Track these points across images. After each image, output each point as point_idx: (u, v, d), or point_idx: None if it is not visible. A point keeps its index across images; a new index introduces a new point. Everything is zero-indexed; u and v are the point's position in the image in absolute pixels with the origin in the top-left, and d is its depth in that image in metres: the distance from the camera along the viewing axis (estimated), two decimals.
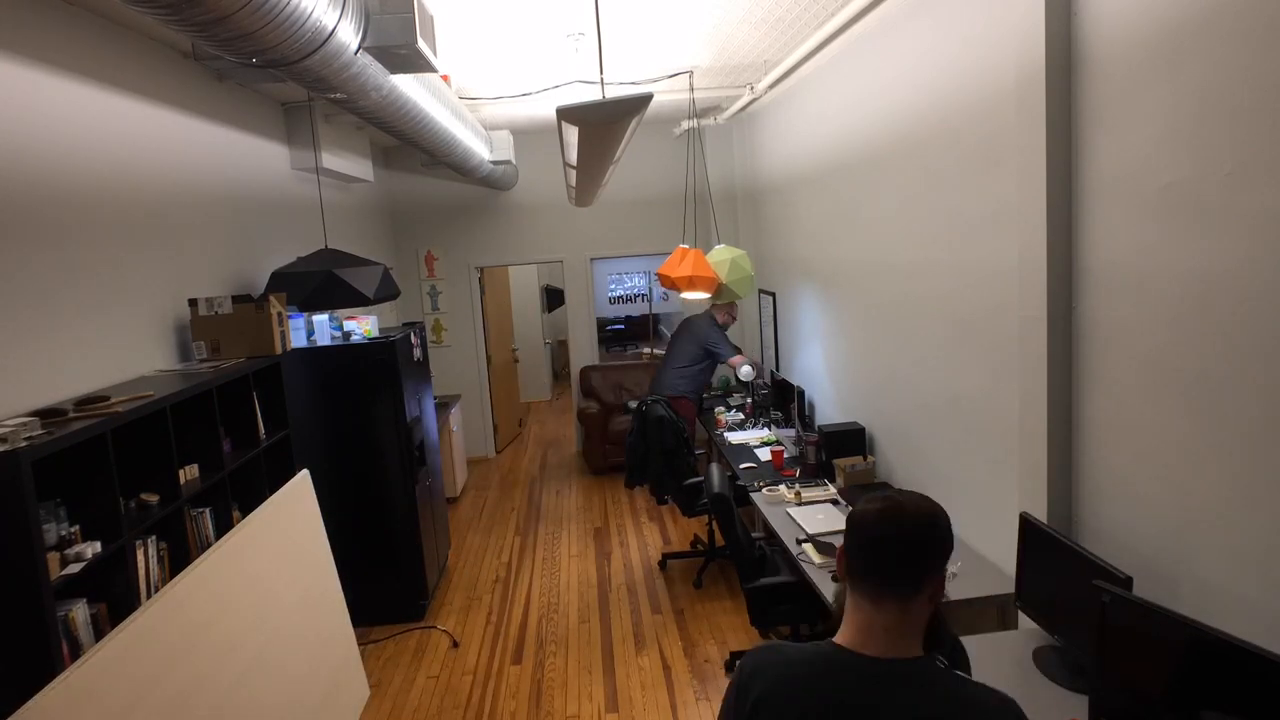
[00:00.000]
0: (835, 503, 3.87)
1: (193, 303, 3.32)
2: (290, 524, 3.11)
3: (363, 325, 4.43)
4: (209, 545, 2.83)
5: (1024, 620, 2.69)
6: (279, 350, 3.38)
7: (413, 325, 4.90)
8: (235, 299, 3.32)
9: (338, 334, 4.39)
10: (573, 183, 4.65)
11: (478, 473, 7.44)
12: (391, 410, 4.28)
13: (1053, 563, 2.36)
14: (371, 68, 2.79)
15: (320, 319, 4.31)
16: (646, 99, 2.45)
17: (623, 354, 9.56)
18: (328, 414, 4.24)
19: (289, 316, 4.25)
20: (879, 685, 1.15)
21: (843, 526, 3.50)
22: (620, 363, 7.92)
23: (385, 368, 4.24)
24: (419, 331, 4.95)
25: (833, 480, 4.16)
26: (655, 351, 8.39)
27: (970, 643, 2.50)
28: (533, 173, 7.26)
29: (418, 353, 4.85)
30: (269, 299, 3.33)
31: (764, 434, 5.33)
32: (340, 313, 4.70)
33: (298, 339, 4.28)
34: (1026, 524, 2.51)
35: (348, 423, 4.25)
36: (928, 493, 4.13)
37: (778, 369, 6.29)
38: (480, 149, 5.19)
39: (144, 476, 2.64)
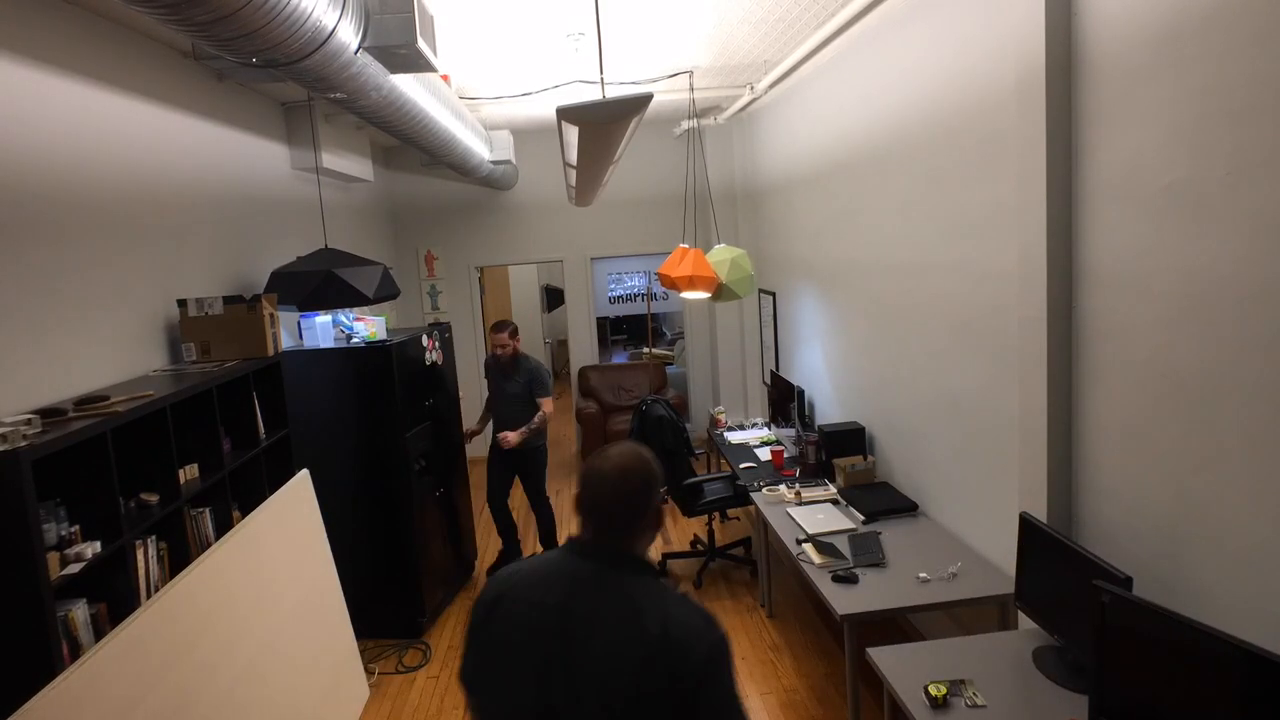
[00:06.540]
0: (835, 503, 3.87)
1: (182, 303, 3.21)
2: (290, 524, 3.11)
3: (369, 327, 4.16)
4: (209, 545, 2.83)
5: (1024, 620, 2.69)
6: (270, 352, 3.29)
7: (438, 326, 4.66)
8: (226, 299, 3.22)
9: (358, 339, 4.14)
10: (573, 183, 4.65)
11: (477, 473, 7.42)
12: (388, 422, 4.00)
13: (1053, 563, 2.36)
14: (371, 67, 2.79)
15: (359, 325, 4.12)
16: (646, 99, 2.45)
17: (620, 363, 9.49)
18: (327, 421, 4.01)
19: (305, 316, 4.14)
20: (603, 559, 1.37)
21: (844, 526, 3.52)
22: (618, 363, 7.92)
23: (380, 375, 3.96)
24: (439, 333, 4.64)
25: (833, 480, 4.16)
26: (655, 351, 8.39)
27: (970, 642, 2.51)
28: (533, 173, 7.26)
29: (433, 356, 4.52)
30: (261, 300, 3.28)
31: (764, 434, 5.33)
32: (364, 312, 4.50)
33: (327, 340, 4.09)
34: (1026, 524, 2.51)
35: (348, 433, 4.00)
36: (928, 491, 4.09)
37: (778, 369, 6.29)
38: (480, 149, 5.19)
39: (144, 476, 2.64)
